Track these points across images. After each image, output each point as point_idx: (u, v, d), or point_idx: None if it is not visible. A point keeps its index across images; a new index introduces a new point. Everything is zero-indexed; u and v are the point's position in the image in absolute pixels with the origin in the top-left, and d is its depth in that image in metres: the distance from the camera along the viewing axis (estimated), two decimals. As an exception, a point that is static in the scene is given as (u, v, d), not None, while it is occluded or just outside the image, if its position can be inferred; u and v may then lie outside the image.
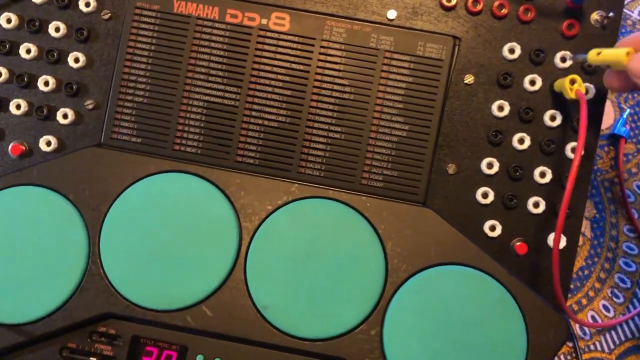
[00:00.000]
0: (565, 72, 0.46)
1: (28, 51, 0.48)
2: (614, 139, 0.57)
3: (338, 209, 0.46)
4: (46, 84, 0.48)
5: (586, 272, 0.53)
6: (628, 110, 0.58)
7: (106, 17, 0.48)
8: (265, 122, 0.47)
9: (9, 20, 0.49)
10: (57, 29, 0.48)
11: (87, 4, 0.48)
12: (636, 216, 0.55)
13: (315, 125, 0.47)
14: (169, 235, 0.45)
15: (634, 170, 0.57)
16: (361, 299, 0.44)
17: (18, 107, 0.48)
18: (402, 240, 0.45)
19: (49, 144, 0.48)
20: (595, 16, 0.46)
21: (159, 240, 0.45)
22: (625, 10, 0.60)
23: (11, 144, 0.48)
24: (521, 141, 0.47)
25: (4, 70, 0.48)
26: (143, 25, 0.48)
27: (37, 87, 0.48)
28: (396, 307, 0.44)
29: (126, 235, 0.45)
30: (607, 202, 0.55)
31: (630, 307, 0.52)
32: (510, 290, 0.44)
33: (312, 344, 0.44)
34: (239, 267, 0.45)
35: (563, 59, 0.46)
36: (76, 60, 0.48)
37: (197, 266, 0.45)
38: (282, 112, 0.47)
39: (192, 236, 0.45)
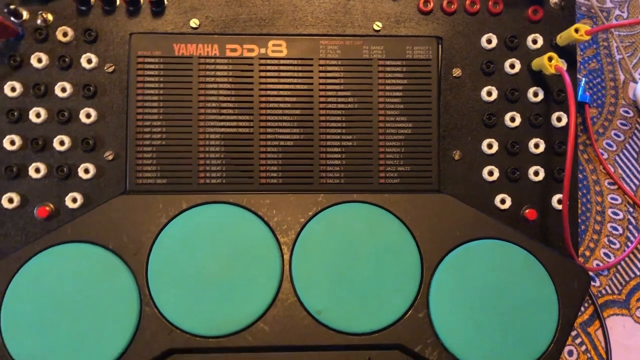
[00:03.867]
0: (538, 52, 0.52)
1: (38, 115, 0.50)
2: (579, 106, 0.63)
3: (365, 209, 0.49)
4: (62, 143, 0.50)
5: (582, 227, 0.59)
6: (583, 79, 0.64)
7: (110, 70, 0.50)
8: (282, 143, 0.50)
9: (13, 89, 0.50)
10: (64, 89, 0.50)
11: (89, 61, 0.50)
12: (612, 170, 0.61)
13: (328, 137, 0.51)
14: (214, 264, 0.47)
15: (600, 130, 0.63)
16: (404, 286, 0.48)
17: (37, 170, 0.49)
18: (428, 226, 0.49)
19: (74, 200, 0.49)
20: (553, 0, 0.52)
21: (206, 270, 0.47)
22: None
23: (37, 208, 0.49)
24: (512, 119, 0.52)
25: (16, 138, 0.49)
26: (148, 72, 0.50)
27: (53, 148, 0.50)
28: (437, 288, 0.48)
29: (173, 272, 0.47)
30: (585, 163, 0.61)
31: (626, 248, 0.58)
32: (532, 252, 0.49)
33: (368, 337, 0.47)
34: (285, 280, 0.48)
35: (534, 41, 0.52)
36: (88, 115, 0.50)
37: (247, 287, 0.47)
38: (295, 130, 0.51)
39: (236, 260, 0.47)
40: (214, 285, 0.47)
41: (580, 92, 0.63)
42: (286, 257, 0.48)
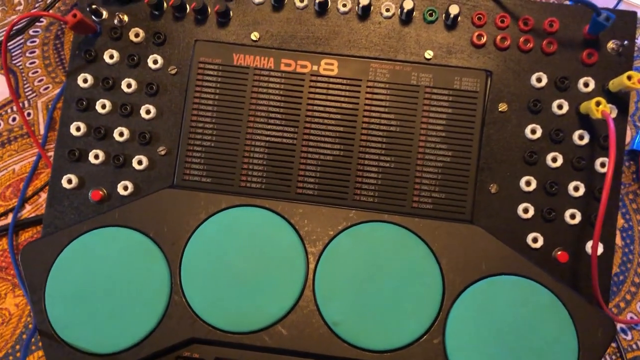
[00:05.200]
0: (588, 95, 0.52)
1: (103, 106, 0.54)
2: (634, 154, 0.62)
3: (394, 230, 0.50)
4: (121, 134, 0.54)
5: (621, 277, 0.57)
6: (643, 127, 0.63)
7: (173, 72, 0.54)
8: (321, 157, 0.52)
9: (85, 80, 0.54)
10: (129, 85, 0.54)
11: (155, 62, 0.54)
12: (661, 223, 0.59)
13: (367, 156, 0.52)
14: (243, 264, 0.50)
15: (654, 181, 0.61)
16: (423, 311, 0.49)
17: (96, 157, 0.54)
18: (455, 255, 0.50)
19: (125, 188, 0.53)
20: (611, 45, 0.52)
21: (235, 269, 0.50)
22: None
23: (91, 191, 0.53)
24: (554, 160, 0.52)
25: (82, 125, 0.54)
26: (207, 77, 0.54)
27: (112, 138, 0.54)
28: (455, 317, 0.48)
29: (204, 266, 0.50)
30: (633, 212, 0.60)
31: (666, 307, 0.57)
32: (558, 295, 0.48)
33: (381, 355, 0.48)
34: (308, 288, 0.49)
35: (586, 84, 0.52)
36: (147, 111, 0.54)
37: (270, 290, 0.49)
38: (336, 146, 0.52)
39: (264, 263, 0.50)
40: (240, 284, 0.49)
41: (637, 140, 0.61)
42: (311, 266, 0.50)
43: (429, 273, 0.49)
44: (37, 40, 0.69)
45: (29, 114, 0.67)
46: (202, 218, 0.51)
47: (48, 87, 0.68)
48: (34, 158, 0.64)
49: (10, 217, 0.61)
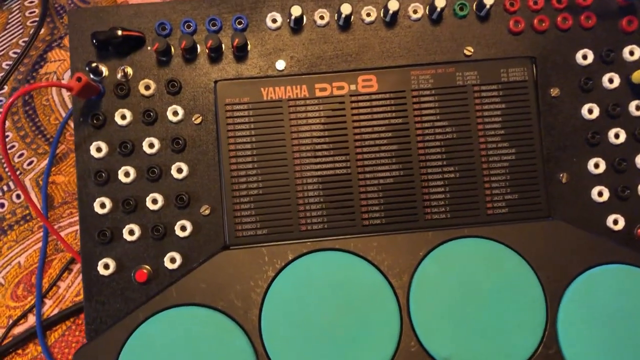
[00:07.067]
0: (636, 63, 0.50)
1: (127, 174, 0.47)
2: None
3: (478, 244, 0.47)
4: (154, 201, 0.47)
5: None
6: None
7: (198, 121, 0.48)
8: (381, 181, 0.48)
9: (99, 149, 0.47)
10: (151, 145, 0.48)
11: (175, 113, 0.48)
12: None
13: (429, 170, 0.48)
14: (329, 316, 0.45)
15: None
16: (530, 322, 0.46)
17: (131, 232, 0.47)
18: (546, 256, 0.47)
19: (173, 261, 0.47)
20: (646, 8, 0.51)
21: (322, 324, 0.45)
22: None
23: (134, 272, 0.47)
24: (617, 136, 0.50)
25: (106, 200, 0.47)
26: (238, 120, 0.48)
27: (146, 207, 0.47)
28: (564, 320, 0.46)
29: (288, 328, 0.45)
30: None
31: None
32: (659, 274, 0.46)
33: (500, 379, 0.45)
34: (406, 327, 0.45)
35: (631, 53, 0.50)
36: (179, 170, 0.48)
37: (366, 338, 0.45)
38: (394, 167, 0.48)
39: (351, 310, 0.45)
40: (332, 339, 0.45)
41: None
42: (403, 301, 0.46)
43: (525, 280, 0.46)
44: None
45: (18, 196, 0.59)
46: (271, 275, 0.46)
47: (32, 161, 0.61)
48: (39, 245, 0.56)
49: (31, 319, 0.53)
